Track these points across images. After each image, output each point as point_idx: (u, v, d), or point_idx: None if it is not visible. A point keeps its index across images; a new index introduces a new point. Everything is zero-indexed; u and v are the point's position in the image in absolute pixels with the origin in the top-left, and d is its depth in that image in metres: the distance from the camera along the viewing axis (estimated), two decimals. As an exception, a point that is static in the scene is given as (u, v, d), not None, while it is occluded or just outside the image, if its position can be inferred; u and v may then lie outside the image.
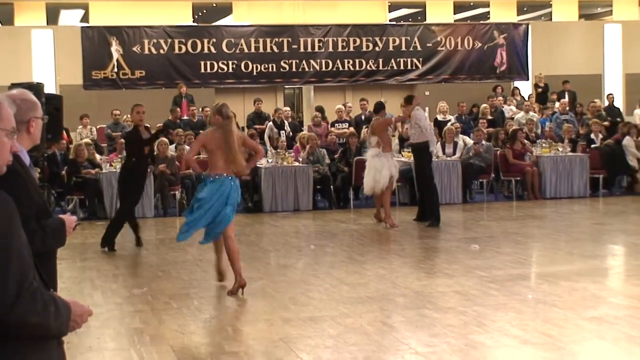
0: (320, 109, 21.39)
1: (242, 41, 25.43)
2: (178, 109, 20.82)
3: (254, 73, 25.59)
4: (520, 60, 27.34)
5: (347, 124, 20.18)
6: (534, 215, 16.06)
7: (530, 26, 27.67)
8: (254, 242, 12.53)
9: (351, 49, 26.17)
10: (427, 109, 18.64)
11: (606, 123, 21.00)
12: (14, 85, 11.13)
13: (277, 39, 25.71)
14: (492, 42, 27.04)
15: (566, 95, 24.26)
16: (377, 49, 26.25)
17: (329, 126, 20.23)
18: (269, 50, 25.68)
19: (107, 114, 21.24)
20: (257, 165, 17.29)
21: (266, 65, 25.63)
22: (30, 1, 25.38)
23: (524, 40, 27.35)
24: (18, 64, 23.66)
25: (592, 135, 19.63)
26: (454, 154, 18.19)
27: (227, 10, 27.18)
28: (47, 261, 3.90)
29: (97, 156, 17.71)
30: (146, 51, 24.86)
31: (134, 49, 24.76)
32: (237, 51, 25.40)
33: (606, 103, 24.43)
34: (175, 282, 10.16)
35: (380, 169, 14.46)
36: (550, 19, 29.40)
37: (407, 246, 12.78)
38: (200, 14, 27.11)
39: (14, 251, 2.77)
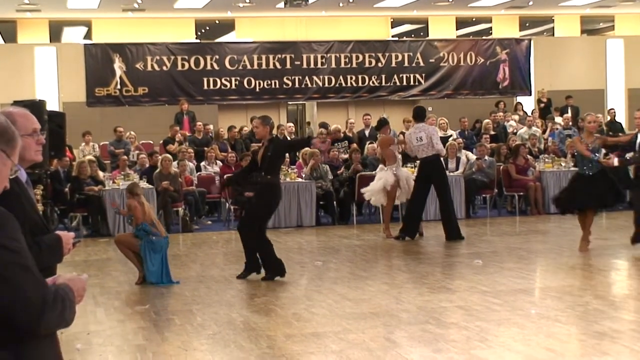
0: (324, 125, 21.34)
1: (245, 58, 25.50)
2: (176, 127, 20.75)
3: (257, 89, 25.66)
4: (522, 75, 27.40)
5: (347, 141, 20.09)
6: (537, 231, 16.04)
7: (532, 41, 27.74)
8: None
9: (354, 65, 26.24)
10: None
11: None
12: (16, 103, 11.17)
13: (279, 56, 25.78)
14: (495, 58, 27.11)
15: (569, 110, 24.29)
16: (379, 64, 26.33)
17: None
18: (271, 66, 25.76)
19: (110, 131, 21.29)
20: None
21: (269, 82, 25.70)
22: (33, 18, 25.45)
23: (527, 56, 27.43)
24: (21, 81, 23.75)
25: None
26: (457, 169, 18.22)
27: (229, 27, 27.25)
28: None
29: (100, 173, 17.71)
30: (149, 68, 24.93)
31: (137, 65, 24.84)
32: (240, 68, 25.47)
33: (608, 118, 24.46)
34: (178, 299, 10.16)
35: (382, 181, 15.08)
36: (553, 35, 29.44)
37: (409, 261, 12.76)
38: (203, 30, 27.18)
39: (30, 265, 2.88)
